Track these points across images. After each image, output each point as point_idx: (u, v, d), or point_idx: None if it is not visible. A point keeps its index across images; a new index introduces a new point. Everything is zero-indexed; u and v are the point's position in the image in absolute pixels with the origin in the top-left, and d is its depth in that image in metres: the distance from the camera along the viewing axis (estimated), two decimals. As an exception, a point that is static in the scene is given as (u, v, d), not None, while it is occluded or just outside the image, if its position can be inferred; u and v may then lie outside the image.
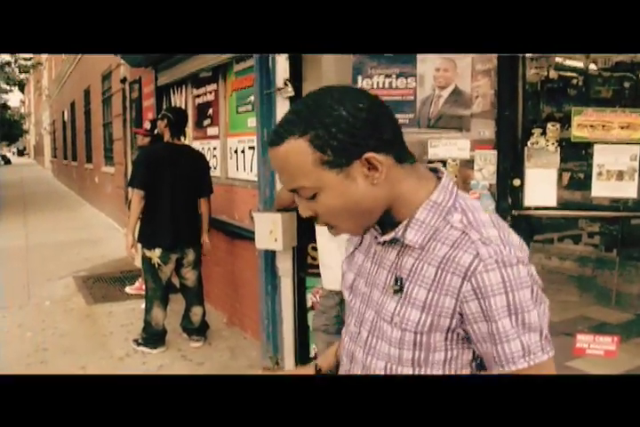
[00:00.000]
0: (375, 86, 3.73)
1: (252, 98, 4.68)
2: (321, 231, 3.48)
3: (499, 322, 1.08)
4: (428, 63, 3.59)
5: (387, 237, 1.20)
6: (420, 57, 3.57)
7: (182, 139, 4.95)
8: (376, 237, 1.25)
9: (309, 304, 4.04)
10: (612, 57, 3.50)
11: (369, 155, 1.10)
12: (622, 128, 3.34)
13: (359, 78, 3.76)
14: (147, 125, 5.87)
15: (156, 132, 5.47)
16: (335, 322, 3.48)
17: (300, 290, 4.06)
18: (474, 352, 1.18)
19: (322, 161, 1.10)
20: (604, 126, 3.38)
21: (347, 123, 1.09)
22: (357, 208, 1.14)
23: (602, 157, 3.38)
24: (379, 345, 1.22)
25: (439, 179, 1.21)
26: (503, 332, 1.09)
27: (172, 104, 6.77)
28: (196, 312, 5.01)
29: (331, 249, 3.43)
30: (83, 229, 11.28)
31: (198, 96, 6.03)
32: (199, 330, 5.03)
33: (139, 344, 4.88)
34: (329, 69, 3.83)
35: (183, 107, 6.43)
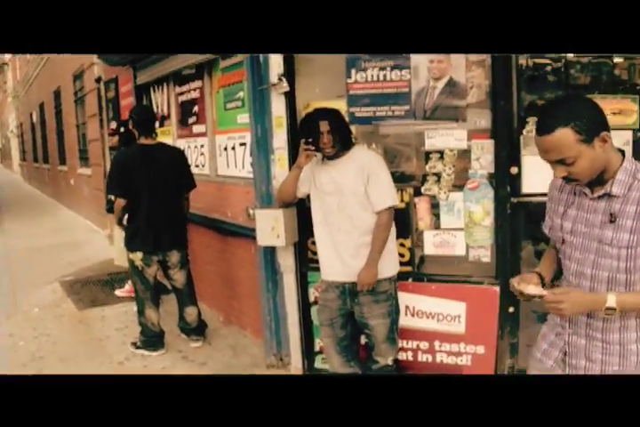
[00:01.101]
0: (369, 79, 3.73)
1: (241, 94, 4.65)
2: (318, 223, 3.48)
3: None
4: (422, 55, 3.60)
5: (600, 193, 1.95)
6: (414, 49, 3.57)
7: (154, 136, 4.81)
8: (586, 195, 1.99)
9: (312, 299, 4.04)
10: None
11: (604, 133, 1.85)
12: (615, 114, 3.39)
13: (353, 72, 3.76)
14: (113, 125, 5.78)
15: (122, 130, 5.41)
16: (339, 315, 3.49)
17: (303, 285, 4.06)
18: None
19: (580, 140, 1.82)
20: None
21: (591, 115, 1.85)
22: (595, 167, 1.88)
23: (596, 143, 3.43)
24: (603, 262, 1.96)
25: (622, 154, 1.96)
26: None
27: (154, 103, 6.69)
28: (190, 312, 4.97)
29: (326, 241, 3.44)
30: (62, 233, 11.11)
31: (182, 94, 5.95)
32: (197, 330, 5.01)
33: (137, 347, 4.84)
34: (322, 63, 3.81)
35: (165, 105, 6.37)
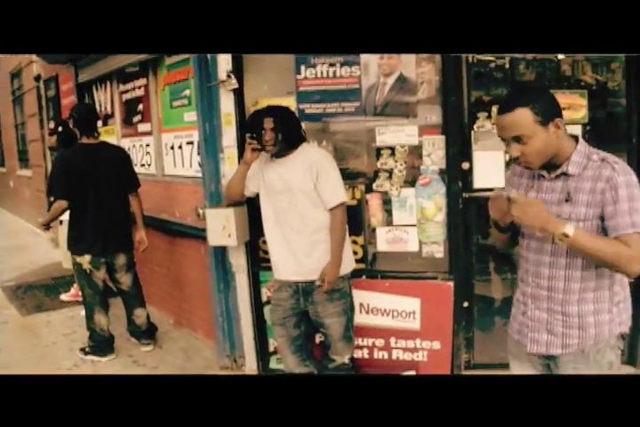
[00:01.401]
0: (319, 76, 3.69)
1: (187, 92, 4.54)
2: (267, 219, 3.41)
3: (621, 204, 1.97)
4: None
5: (557, 172, 2.11)
6: (364, 44, 3.55)
7: (96, 136, 4.65)
8: (544, 177, 2.15)
9: (265, 299, 3.98)
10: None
11: (558, 119, 2.03)
12: (564, 109, 3.42)
13: (302, 68, 3.71)
14: (51, 125, 5.60)
15: (60, 130, 5.24)
16: (292, 314, 3.44)
17: (255, 285, 4.00)
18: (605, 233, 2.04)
19: (537, 120, 2.00)
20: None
21: (548, 101, 2.05)
22: (547, 150, 2.05)
23: (546, 138, 3.47)
24: None
25: (575, 139, 2.12)
26: (622, 210, 1.97)
27: (97, 101, 6.51)
28: (139, 314, 4.85)
29: (278, 240, 3.38)
30: (2, 237, 10.72)
31: (126, 92, 5.80)
32: (147, 333, 4.88)
33: (86, 353, 4.69)
34: (271, 60, 3.75)
35: (109, 103, 6.21)
